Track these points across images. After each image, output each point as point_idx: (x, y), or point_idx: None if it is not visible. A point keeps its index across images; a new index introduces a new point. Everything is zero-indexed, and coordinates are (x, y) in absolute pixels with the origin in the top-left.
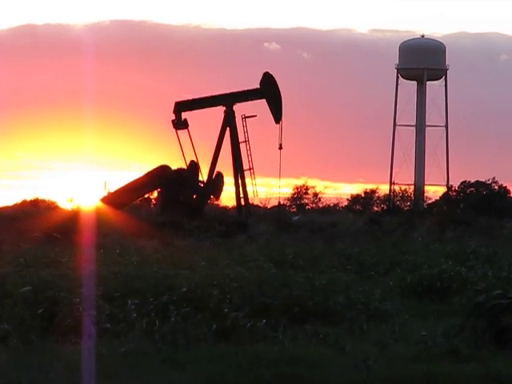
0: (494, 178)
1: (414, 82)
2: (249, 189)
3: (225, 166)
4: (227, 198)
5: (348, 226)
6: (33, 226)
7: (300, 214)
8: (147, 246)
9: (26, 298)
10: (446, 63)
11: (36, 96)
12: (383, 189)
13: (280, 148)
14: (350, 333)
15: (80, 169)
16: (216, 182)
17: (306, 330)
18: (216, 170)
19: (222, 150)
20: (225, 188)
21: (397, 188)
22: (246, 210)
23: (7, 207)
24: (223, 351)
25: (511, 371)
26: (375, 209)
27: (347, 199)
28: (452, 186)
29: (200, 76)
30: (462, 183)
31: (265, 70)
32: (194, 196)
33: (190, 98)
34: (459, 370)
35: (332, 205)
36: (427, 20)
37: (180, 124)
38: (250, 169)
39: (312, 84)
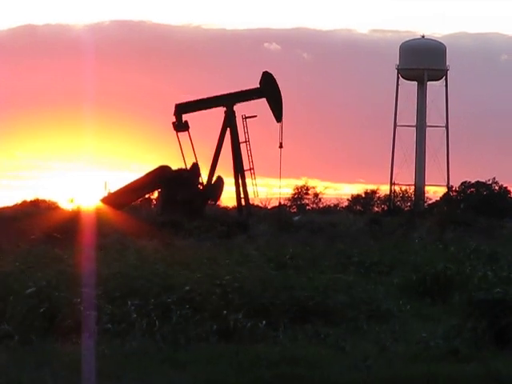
0: (494, 179)
1: (415, 83)
2: (249, 189)
3: (225, 167)
4: (228, 198)
5: (348, 226)
6: (33, 226)
7: (300, 214)
8: (147, 246)
9: (28, 298)
10: (447, 63)
11: (36, 96)
12: (383, 189)
13: (280, 147)
14: (351, 333)
15: (80, 169)
16: (215, 186)
17: (307, 330)
18: (216, 170)
19: (222, 150)
20: (225, 188)
21: (397, 188)
22: (246, 210)
23: (7, 207)
24: (223, 351)
25: (511, 371)
26: (376, 209)
27: (347, 199)
28: (452, 187)
29: (200, 76)
30: (462, 183)
31: (265, 70)
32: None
33: (190, 98)
34: (459, 370)
35: (332, 205)
36: (427, 20)
37: (181, 126)
38: (250, 169)
39: (312, 84)
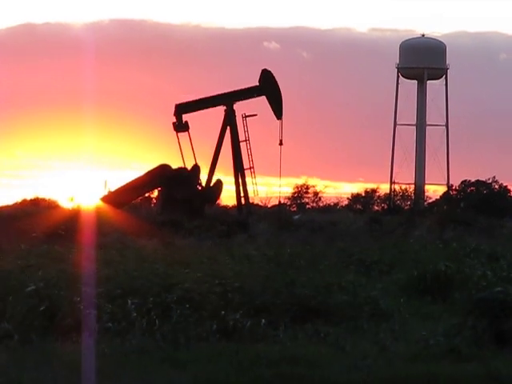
0: (494, 178)
1: (415, 82)
2: (249, 188)
3: (225, 165)
4: (228, 197)
5: (349, 225)
6: (33, 225)
7: (300, 213)
8: (147, 246)
9: (28, 297)
10: (447, 62)
11: (36, 95)
12: (383, 188)
13: (280, 144)
14: (351, 332)
15: (80, 168)
16: (214, 189)
17: (307, 330)
18: (216, 169)
19: (222, 149)
20: (225, 187)
21: (397, 187)
22: (246, 209)
23: (7, 206)
24: (224, 350)
25: (511, 371)
26: (376, 208)
27: (347, 198)
28: (452, 186)
29: (200, 75)
30: (462, 182)
31: (264, 68)
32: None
33: (190, 97)
34: (459, 370)
35: (332, 204)
36: (427, 19)
37: (181, 126)
38: (250, 168)
39: (312, 83)
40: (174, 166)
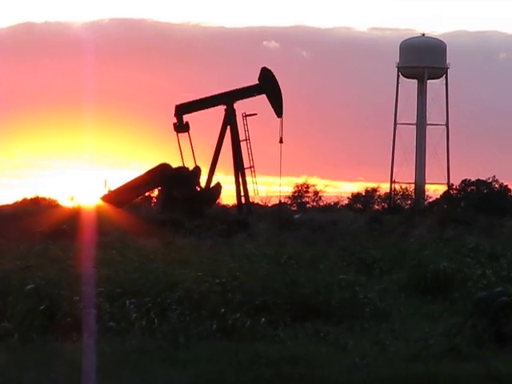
0: (494, 177)
1: (415, 81)
2: (249, 187)
3: (225, 165)
4: (228, 196)
5: (349, 224)
6: (34, 223)
7: (301, 212)
8: (147, 245)
9: (28, 296)
10: (447, 62)
11: (35, 94)
12: (384, 187)
13: (281, 141)
14: (351, 331)
15: (80, 167)
16: (212, 191)
17: (307, 329)
18: (217, 168)
19: (222, 148)
20: (226, 186)
21: (397, 186)
22: (246, 208)
23: (7, 205)
24: (223, 350)
25: (511, 370)
26: (376, 207)
27: (348, 198)
28: (453, 185)
29: (200, 74)
30: (462, 182)
31: (263, 66)
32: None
33: (190, 96)
34: (459, 369)
35: (333, 203)
36: (426, 18)
37: (182, 127)
38: (250, 167)
39: (312, 83)
40: (174, 165)
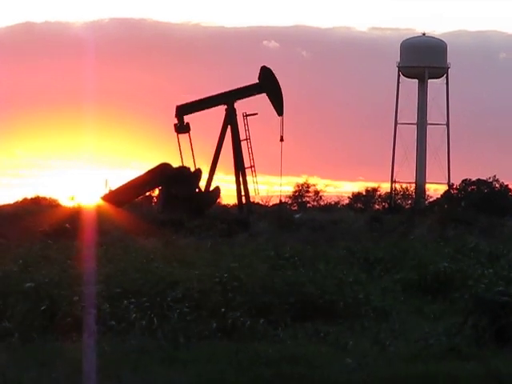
0: (495, 177)
1: (416, 80)
2: (250, 187)
3: (226, 164)
4: (228, 196)
5: (350, 224)
6: (35, 223)
7: (301, 212)
8: (148, 244)
9: (28, 296)
10: (448, 61)
11: (36, 94)
12: (384, 187)
13: (281, 140)
14: (351, 331)
15: (80, 167)
16: (210, 196)
17: (307, 329)
18: (217, 168)
19: (223, 148)
20: (226, 186)
21: (398, 186)
22: (247, 208)
23: (8, 205)
24: (223, 349)
25: (511, 370)
26: (376, 207)
27: (348, 197)
28: (453, 184)
29: (199, 74)
30: (463, 181)
31: (263, 65)
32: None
33: (190, 95)
34: (459, 369)
35: (333, 203)
36: (427, 18)
37: (182, 128)
38: (251, 167)
39: (312, 82)
40: (175, 165)
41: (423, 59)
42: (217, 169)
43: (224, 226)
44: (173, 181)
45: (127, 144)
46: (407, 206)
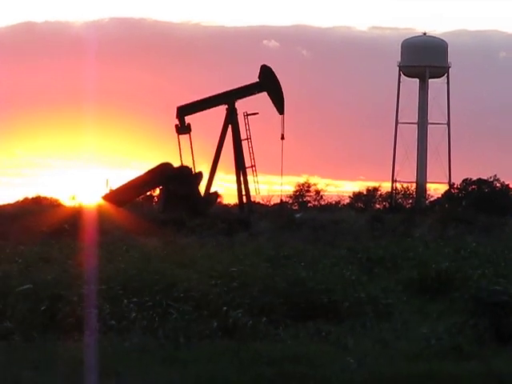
0: (495, 176)
1: (416, 80)
2: (251, 186)
3: (227, 164)
4: (229, 195)
5: (352, 223)
6: (36, 223)
7: (302, 211)
8: (149, 244)
9: (28, 296)
10: (448, 61)
11: (36, 94)
12: (385, 186)
13: (282, 138)
14: (353, 330)
15: (81, 167)
16: (207, 200)
17: (308, 328)
18: (218, 168)
19: (223, 147)
20: (227, 185)
21: (399, 186)
22: (248, 207)
23: (9, 205)
24: (224, 349)
25: None
26: (377, 206)
27: (349, 197)
28: (454, 184)
29: (200, 73)
30: (463, 181)
31: (263, 64)
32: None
33: (190, 95)
34: (461, 368)
35: (334, 202)
36: (427, 18)
37: (183, 129)
38: (251, 166)
39: (312, 82)
40: (175, 164)
41: (424, 59)
42: (217, 168)
43: (225, 225)
44: (173, 180)
45: (127, 144)
46: (408, 206)
